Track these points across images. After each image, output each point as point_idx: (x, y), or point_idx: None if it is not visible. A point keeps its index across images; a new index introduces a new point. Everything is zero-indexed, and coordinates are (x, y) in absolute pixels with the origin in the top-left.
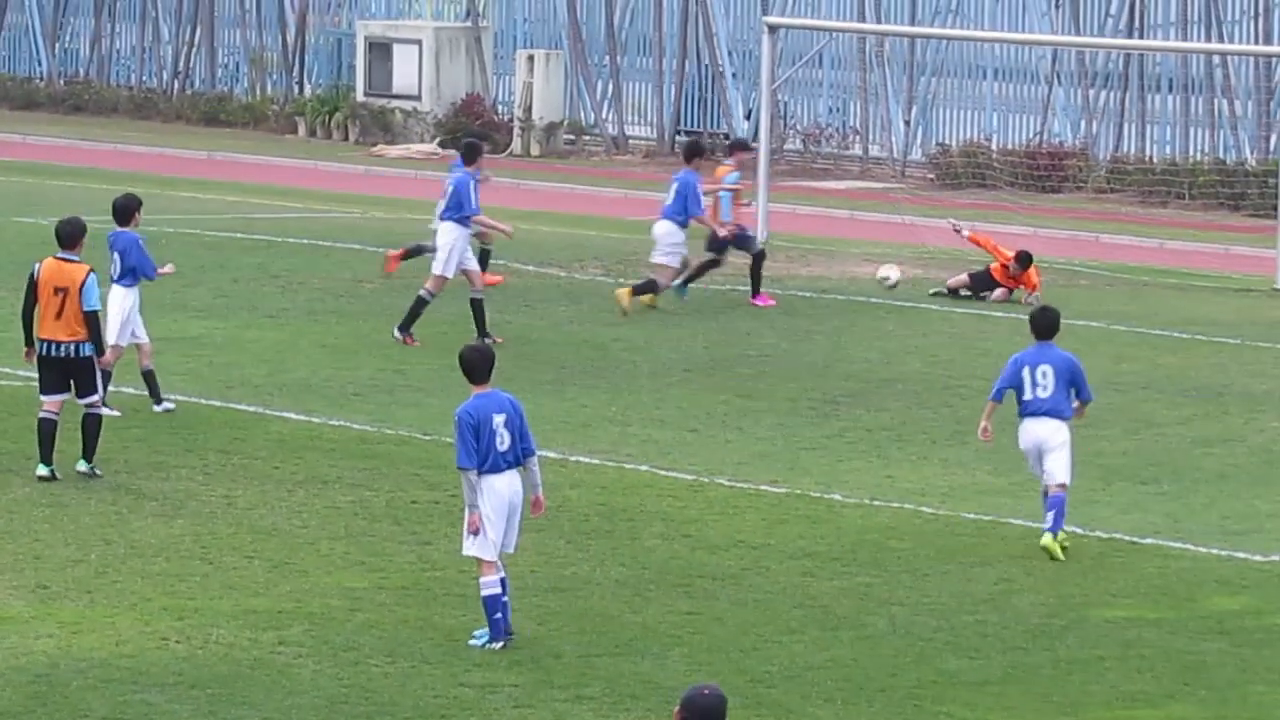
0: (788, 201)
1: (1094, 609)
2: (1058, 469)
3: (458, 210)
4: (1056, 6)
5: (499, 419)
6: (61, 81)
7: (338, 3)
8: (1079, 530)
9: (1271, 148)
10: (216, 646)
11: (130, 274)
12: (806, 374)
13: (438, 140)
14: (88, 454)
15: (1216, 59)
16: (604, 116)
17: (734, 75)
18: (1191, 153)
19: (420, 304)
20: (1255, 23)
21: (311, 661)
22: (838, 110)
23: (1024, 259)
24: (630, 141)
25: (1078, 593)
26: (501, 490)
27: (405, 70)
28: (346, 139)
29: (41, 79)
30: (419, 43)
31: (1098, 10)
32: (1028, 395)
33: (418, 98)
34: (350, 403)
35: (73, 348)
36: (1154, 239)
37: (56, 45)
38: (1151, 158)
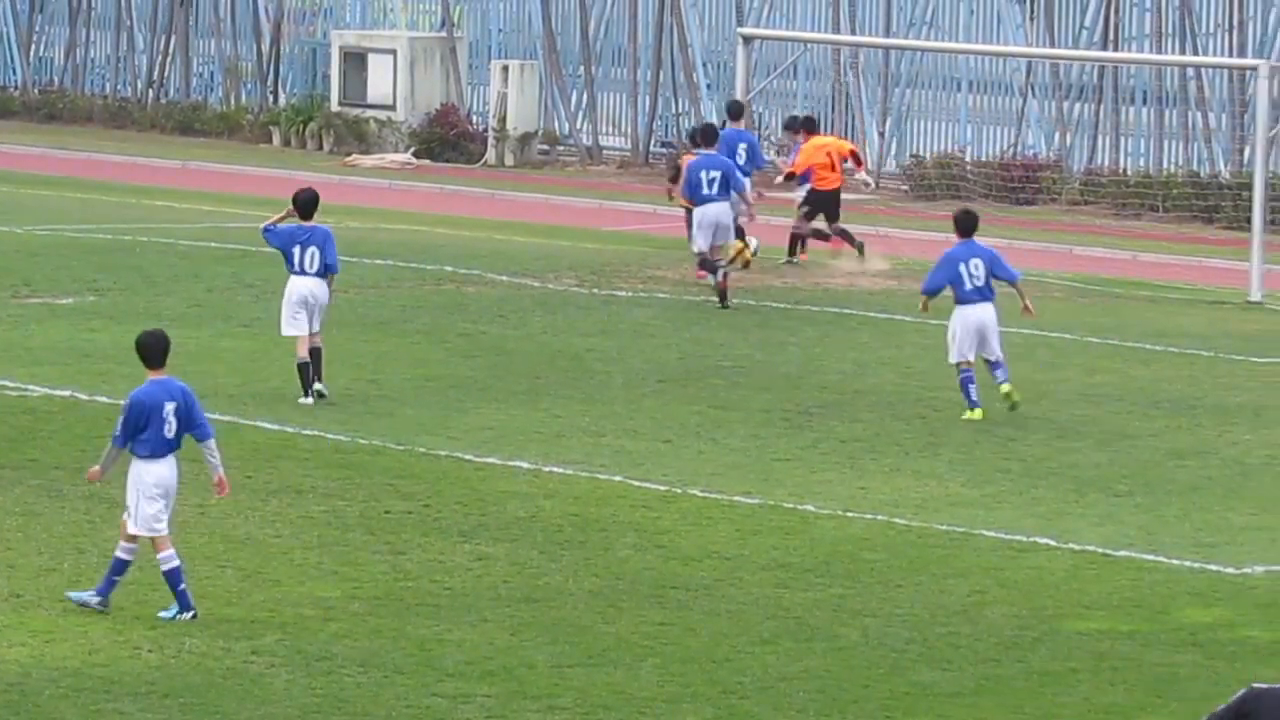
0: (761, 213)
1: (1066, 621)
2: (997, 344)
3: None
4: (1031, 19)
5: (170, 406)
6: (36, 90)
7: (312, 12)
8: (1052, 542)
9: (1245, 160)
10: (189, 656)
11: (329, 267)
12: (780, 385)
13: (412, 150)
14: None
15: (1190, 72)
16: (578, 127)
17: (709, 86)
18: (1165, 165)
19: None
20: (1229, 36)
21: (284, 671)
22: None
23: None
24: (605, 152)
25: (1050, 605)
26: (164, 475)
27: (380, 80)
28: (321, 148)
29: (16, 87)
30: (393, 52)
31: (1072, 23)
32: (967, 286)
33: (392, 107)
34: (324, 412)
35: None
36: (1127, 251)
37: (31, 53)
38: (1125, 170)
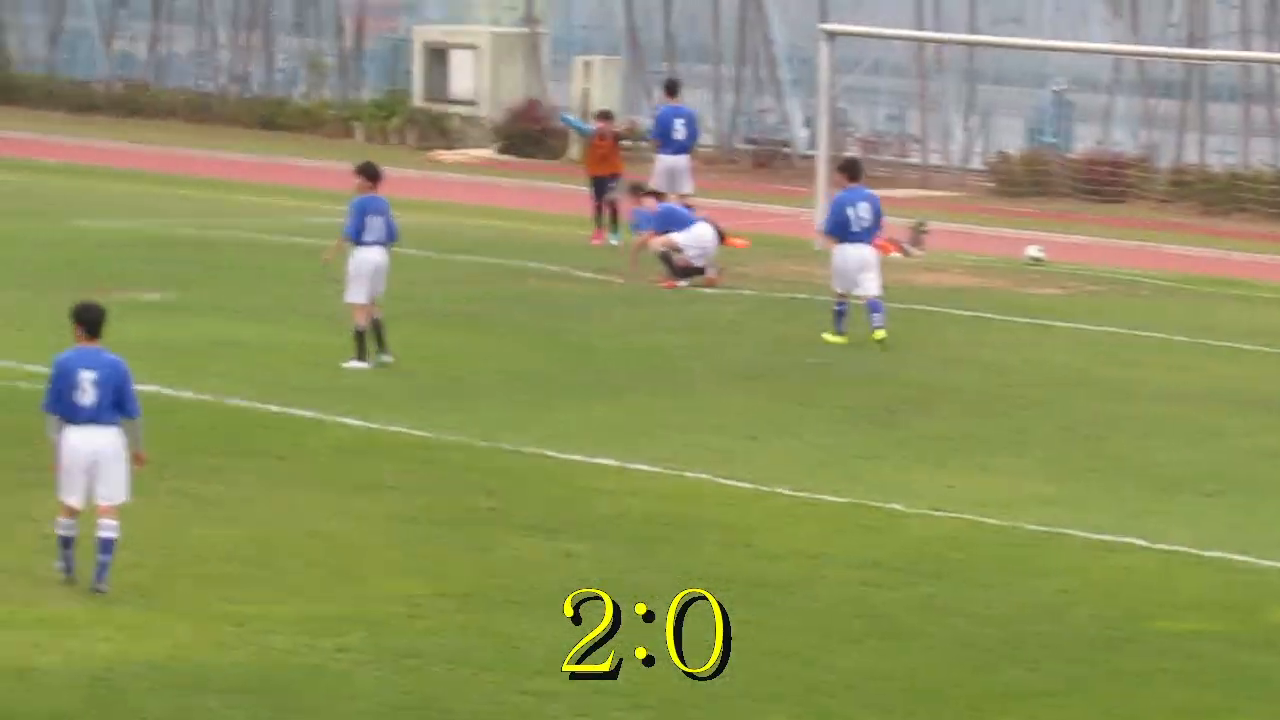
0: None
1: (1155, 621)
2: (874, 283)
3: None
4: (1117, 16)
5: (88, 374)
6: (119, 85)
7: (395, 7)
8: (1141, 542)
9: None
10: (275, 653)
11: (392, 234)
12: (867, 382)
13: (495, 146)
14: None
15: (1277, 68)
16: None
17: (793, 82)
18: (1252, 162)
19: None
20: None
21: (371, 668)
22: (897, 118)
23: None
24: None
25: (1139, 605)
26: (76, 443)
27: (462, 75)
28: (404, 144)
29: (99, 82)
30: (476, 48)
31: (1158, 20)
32: (855, 228)
33: (475, 103)
34: (409, 408)
35: None
36: (1218, 249)
37: (114, 48)
38: (1212, 167)
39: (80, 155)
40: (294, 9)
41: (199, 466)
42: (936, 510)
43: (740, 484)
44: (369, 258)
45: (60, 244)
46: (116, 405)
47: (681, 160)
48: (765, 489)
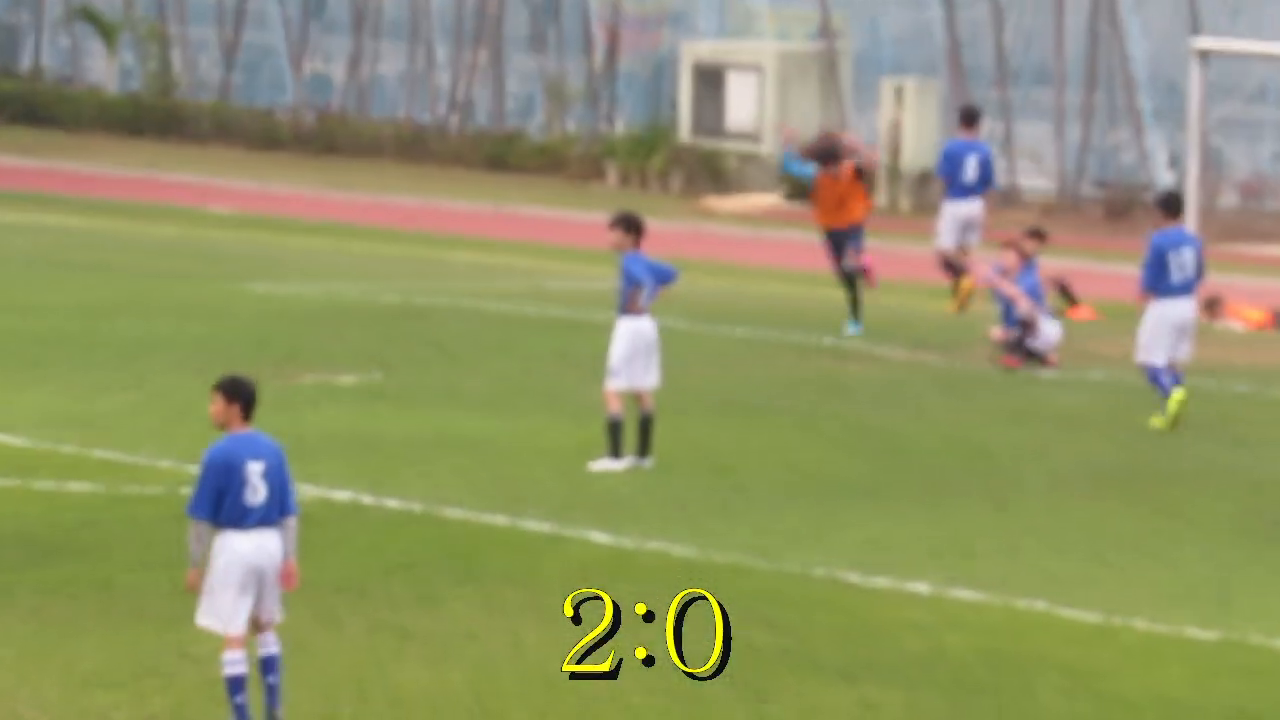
0: (1224, 271)
1: None
2: (1187, 350)
3: None
4: None
5: (255, 466)
6: (310, 115)
7: (657, 20)
8: None
9: None
10: None
11: (669, 275)
12: (1245, 490)
13: (781, 191)
14: None
15: None
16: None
17: (1155, 112)
18: None
19: None
20: None
21: None
22: None
23: None
24: (1024, 194)
25: None
26: (245, 551)
27: (741, 104)
28: (667, 189)
29: (285, 111)
30: (759, 69)
31: None
32: (1175, 279)
33: (757, 138)
34: (671, 520)
35: None
36: None
37: (304, 70)
38: None
39: (260, 203)
40: (530, 21)
41: (405, 593)
42: None
43: (1086, 616)
44: (640, 328)
45: (233, 313)
46: (281, 502)
47: (975, 206)
48: (1117, 621)
